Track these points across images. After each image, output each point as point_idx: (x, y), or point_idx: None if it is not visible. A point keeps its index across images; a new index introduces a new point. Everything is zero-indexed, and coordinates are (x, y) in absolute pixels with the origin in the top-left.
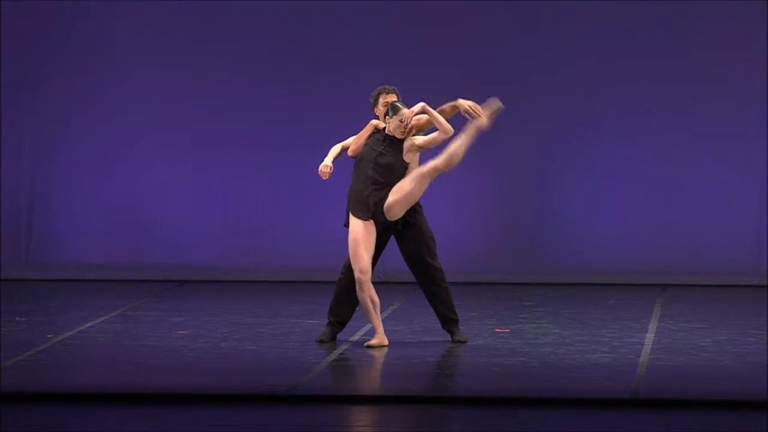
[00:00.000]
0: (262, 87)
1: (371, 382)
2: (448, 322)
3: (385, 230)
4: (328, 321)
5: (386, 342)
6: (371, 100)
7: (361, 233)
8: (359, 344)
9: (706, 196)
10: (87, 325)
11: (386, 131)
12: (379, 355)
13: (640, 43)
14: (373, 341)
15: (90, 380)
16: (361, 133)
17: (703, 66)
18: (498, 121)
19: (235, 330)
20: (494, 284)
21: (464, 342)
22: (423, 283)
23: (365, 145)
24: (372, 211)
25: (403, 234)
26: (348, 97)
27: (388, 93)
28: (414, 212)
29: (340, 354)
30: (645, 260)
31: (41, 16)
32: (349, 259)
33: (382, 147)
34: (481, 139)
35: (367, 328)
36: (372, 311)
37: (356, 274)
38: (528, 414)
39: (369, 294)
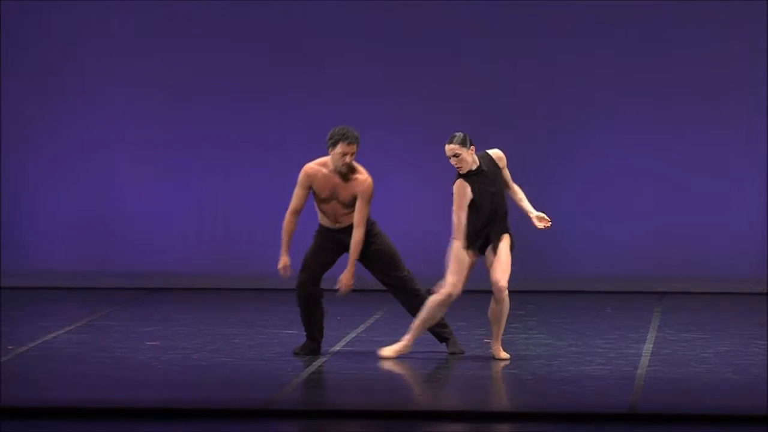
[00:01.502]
0: (238, 87)
1: (353, 395)
2: (439, 333)
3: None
4: (306, 334)
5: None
6: (328, 140)
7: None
8: (339, 356)
9: (706, 200)
10: (51, 335)
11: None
12: (362, 367)
13: (638, 41)
14: (396, 347)
15: (53, 395)
16: (297, 187)
17: (705, 68)
18: (487, 121)
19: (208, 341)
20: (484, 292)
21: (459, 353)
22: (401, 300)
23: (474, 190)
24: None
25: (367, 260)
26: (327, 98)
27: (349, 143)
28: (373, 236)
29: (320, 366)
30: (643, 267)
31: (8, 14)
32: (302, 273)
33: (488, 179)
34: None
35: (348, 339)
36: (425, 327)
37: (450, 289)
38: (519, 429)
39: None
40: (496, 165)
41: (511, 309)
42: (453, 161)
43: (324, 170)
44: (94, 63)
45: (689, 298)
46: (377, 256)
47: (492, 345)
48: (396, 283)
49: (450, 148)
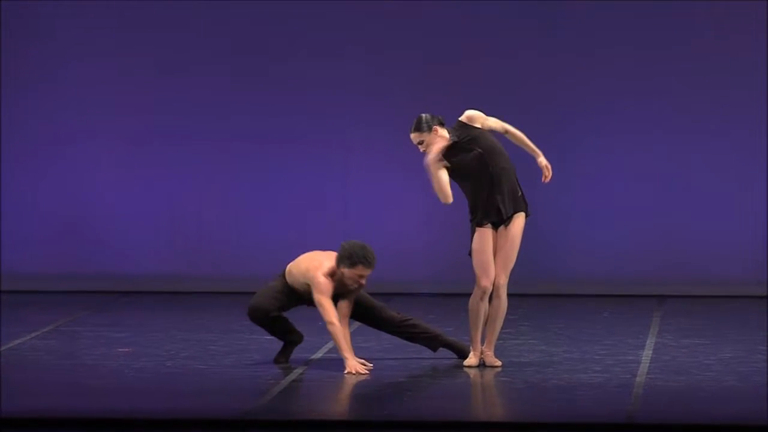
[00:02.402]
0: (212, 81)
1: (335, 405)
2: (433, 341)
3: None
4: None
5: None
6: (345, 258)
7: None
8: (320, 363)
9: (708, 200)
10: (17, 341)
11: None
12: (344, 375)
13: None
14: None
15: (18, 404)
16: (325, 297)
17: (709, 68)
18: (482, 109)
19: (182, 347)
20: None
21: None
22: (392, 332)
23: (452, 162)
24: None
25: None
26: (307, 96)
27: (369, 269)
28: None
29: (301, 374)
30: (641, 269)
31: None
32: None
33: (465, 147)
34: None
35: (329, 345)
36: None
37: (482, 286)
38: None
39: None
40: (472, 127)
41: None
42: (421, 148)
43: (334, 281)
44: (60, 57)
45: (690, 301)
46: (361, 308)
47: (483, 350)
48: (387, 324)
49: (412, 137)
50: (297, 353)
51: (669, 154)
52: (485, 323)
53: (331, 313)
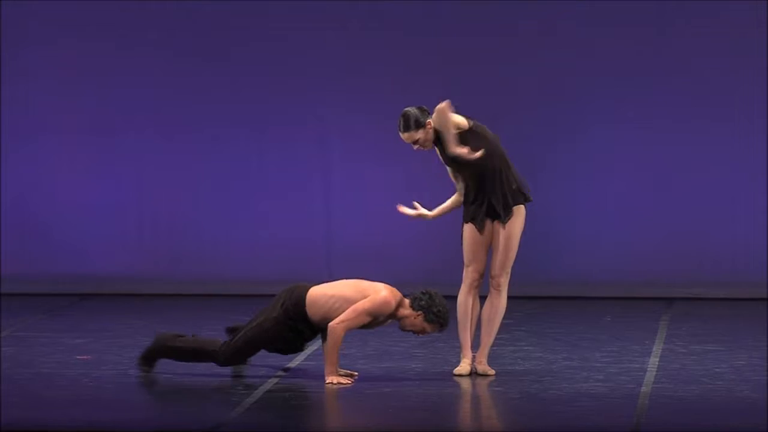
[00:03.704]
0: (180, 67)
1: (313, 417)
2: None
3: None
4: None
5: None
6: (431, 315)
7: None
8: (296, 373)
9: (719, 195)
10: None
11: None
12: (321, 386)
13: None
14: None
15: None
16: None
17: (718, 66)
18: (470, 109)
19: None
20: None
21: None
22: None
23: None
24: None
25: None
26: (281, 77)
27: (436, 330)
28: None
29: (275, 384)
30: (647, 268)
31: None
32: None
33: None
34: None
35: (308, 352)
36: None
37: (467, 279)
38: None
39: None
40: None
41: None
42: (415, 147)
43: (393, 315)
44: (17, 42)
45: (701, 304)
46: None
47: (477, 357)
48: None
49: (404, 138)
50: (273, 361)
51: (677, 143)
52: (476, 324)
53: (349, 321)
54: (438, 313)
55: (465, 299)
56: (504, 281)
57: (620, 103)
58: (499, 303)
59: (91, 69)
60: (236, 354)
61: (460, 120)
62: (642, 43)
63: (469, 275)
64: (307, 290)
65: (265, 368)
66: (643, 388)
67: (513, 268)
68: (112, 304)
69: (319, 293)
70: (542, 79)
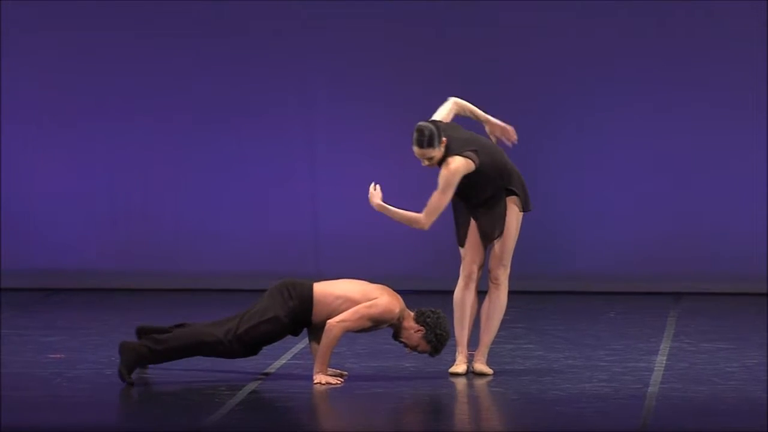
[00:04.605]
0: (158, 52)
1: (299, 420)
2: None
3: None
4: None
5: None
6: (431, 333)
7: None
8: (283, 372)
9: (729, 185)
10: None
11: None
12: (308, 386)
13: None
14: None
15: None
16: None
17: (725, 57)
18: (470, 99)
19: None
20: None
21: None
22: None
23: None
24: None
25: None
26: (265, 64)
27: (433, 354)
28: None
29: (260, 385)
30: (655, 262)
31: None
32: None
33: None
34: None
35: (294, 351)
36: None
37: (464, 273)
38: None
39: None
40: (462, 130)
41: None
42: (426, 163)
43: (393, 321)
44: None
45: (711, 300)
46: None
47: (474, 356)
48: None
49: (417, 153)
50: (257, 360)
51: (686, 130)
52: (473, 321)
53: (350, 323)
54: (438, 337)
55: (462, 294)
56: (502, 275)
57: (628, 96)
58: (497, 299)
59: (64, 57)
60: (246, 351)
61: (466, 168)
62: (646, 35)
63: (465, 268)
64: (312, 288)
65: (250, 367)
66: (650, 389)
67: (513, 260)
68: (86, 300)
69: (326, 292)
70: (544, 71)
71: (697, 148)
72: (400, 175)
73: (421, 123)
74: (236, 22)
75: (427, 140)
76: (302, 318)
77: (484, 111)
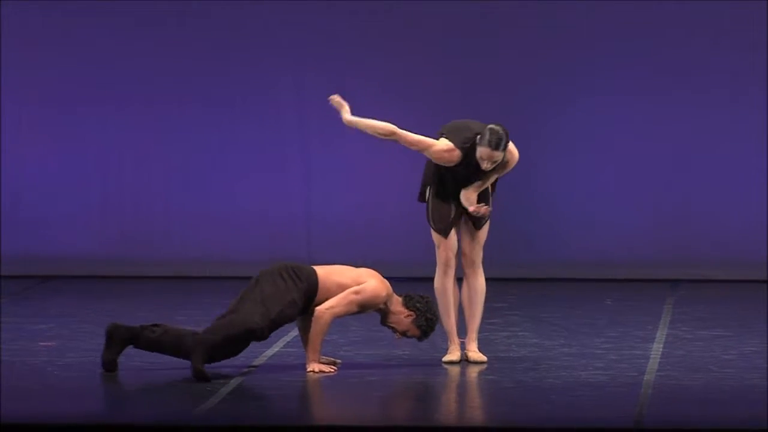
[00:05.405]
0: (149, 33)
1: (292, 408)
2: None
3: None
4: None
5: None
6: (421, 318)
7: None
8: (275, 361)
9: (728, 171)
10: None
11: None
12: (301, 375)
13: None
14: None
15: None
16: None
17: (727, 42)
18: (464, 83)
19: None
20: (456, 280)
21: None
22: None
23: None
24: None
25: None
26: (255, 46)
27: (422, 339)
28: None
29: (252, 373)
30: (651, 249)
31: None
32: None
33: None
34: (446, 106)
35: (287, 339)
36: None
37: (441, 261)
38: None
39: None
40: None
41: (489, 300)
42: (487, 165)
43: (384, 307)
44: None
45: (708, 287)
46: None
47: (466, 344)
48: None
49: (490, 155)
50: (248, 349)
51: (682, 115)
52: (458, 308)
53: (339, 308)
54: (429, 321)
55: (442, 282)
56: (478, 258)
57: (627, 81)
58: (477, 283)
59: (52, 41)
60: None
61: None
62: (646, 20)
63: (441, 255)
64: (316, 273)
65: (242, 356)
66: (646, 377)
67: (507, 246)
68: (78, 287)
69: (329, 280)
70: (541, 57)
71: (696, 134)
72: (393, 161)
73: (492, 125)
74: (230, 8)
75: (503, 143)
76: (307, 303)
77: (478, 96)
